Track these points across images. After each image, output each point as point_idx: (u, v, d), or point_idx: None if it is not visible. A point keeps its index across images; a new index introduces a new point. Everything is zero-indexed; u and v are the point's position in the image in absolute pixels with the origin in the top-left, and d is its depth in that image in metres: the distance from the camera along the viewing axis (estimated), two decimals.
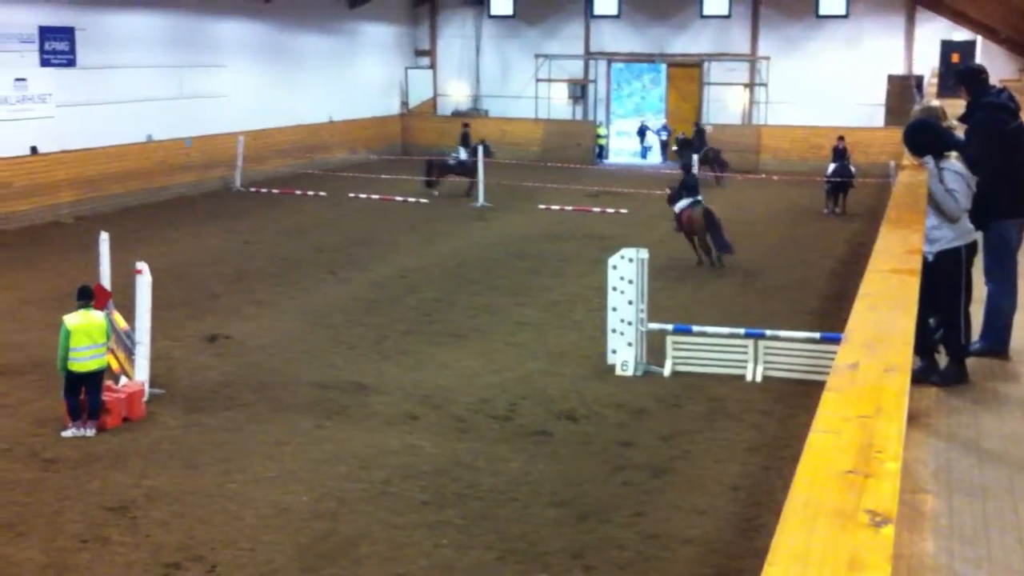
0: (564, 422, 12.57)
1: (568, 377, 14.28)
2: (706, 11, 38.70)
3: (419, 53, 43.62)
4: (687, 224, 21.25)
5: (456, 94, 43.23)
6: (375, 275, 20.47)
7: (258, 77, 34.02)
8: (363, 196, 29.89)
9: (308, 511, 10.06)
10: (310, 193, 30.46)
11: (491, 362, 14.92)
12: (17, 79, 25.57)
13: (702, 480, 10.96)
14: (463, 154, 30.90)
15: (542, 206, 28.57)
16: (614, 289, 14.30)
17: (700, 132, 35.26)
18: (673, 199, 21.97)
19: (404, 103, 43.10)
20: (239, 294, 18.77)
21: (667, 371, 14.30)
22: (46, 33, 26.24)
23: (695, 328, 14.56)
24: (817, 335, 14.10)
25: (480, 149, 29.33)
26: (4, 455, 11.33)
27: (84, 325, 11.89)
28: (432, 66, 43.57)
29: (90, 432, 11.85)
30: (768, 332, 14.29)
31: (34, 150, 26.02)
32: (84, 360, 11.88)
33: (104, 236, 13.56)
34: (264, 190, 30.88)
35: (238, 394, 13.38)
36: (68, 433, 11.83)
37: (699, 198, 21.47)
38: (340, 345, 15.67)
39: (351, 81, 39.14)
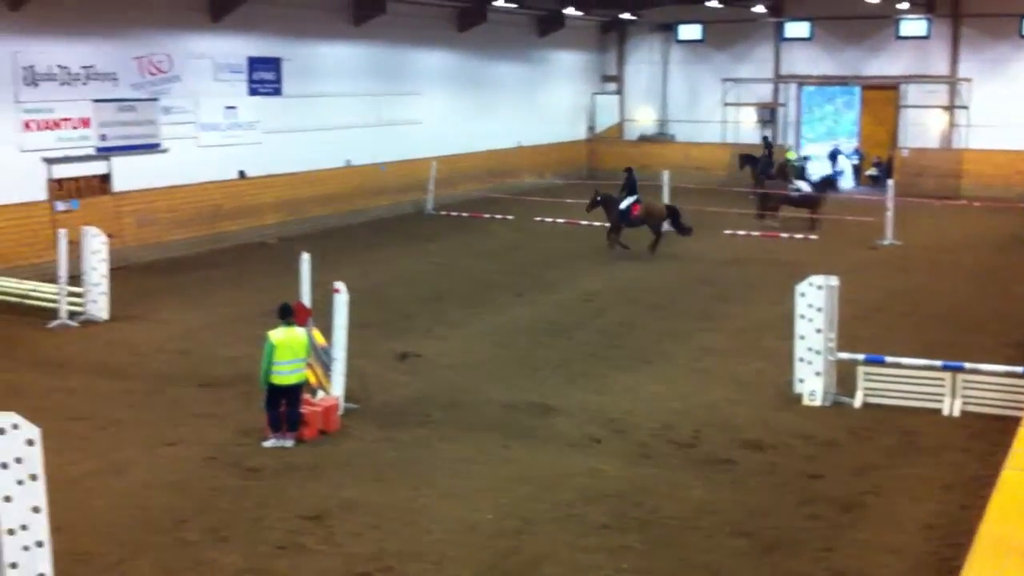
0: (749, 451, 12.40)
1: (754, 405, 14.08)
2: (903, 32, 37.59)
3: (606, 79, 43.90)
4: (643, 215, 25.06)
5: (643, 119, 43.28)
6: (560, 298, 20.71)
7: (451, 104, 35.01)
8: (549, 220, 30.30)
9: (493, 529, 10.27)
10: (498, 217, 31.07)
11: (675, 388, 14.86)
12: (228, 107, 27.21)
13: (895, 517, 10.61)
14: (804, 186, 29.88)
15: (728, 231, 28.24)
16: (802, 317, 14.02)
17: (769, 147, 36.31)
18: (608, 201, 25.55)
19: (591, 128, 43.44)
20: (430, 314, 19.33)
21: (857, 402, 13.90)
22: (255, 64, 27.83)
23: (888, 359, 14.10)
24: (1020, 369, 13.42)
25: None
26: (211, 463, 12.03)
27: (287, 340, 12.50)
28: (619, 91, 43.78)
29: (289, 443, 12.45)
30: (967, 365, 13.70)
31: (242, 174, 27.58)
32: (286, 374, 12.48)
33: (305, 256, 14.25)
34: (455, 213, 31.70)
35: (428, 411, 13.79)
36: (269, 443, 12.47)
37: (638, 196, 25.37)
38: (526, 366, 15.92)
39: (540, 107, 39.77)
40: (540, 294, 21.09)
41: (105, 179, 24.31)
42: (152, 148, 25.27)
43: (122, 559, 9.63)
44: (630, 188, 25.87)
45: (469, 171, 35.39)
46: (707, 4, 36.74)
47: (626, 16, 40.87)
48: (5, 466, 8.11)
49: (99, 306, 18.75)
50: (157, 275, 23.08)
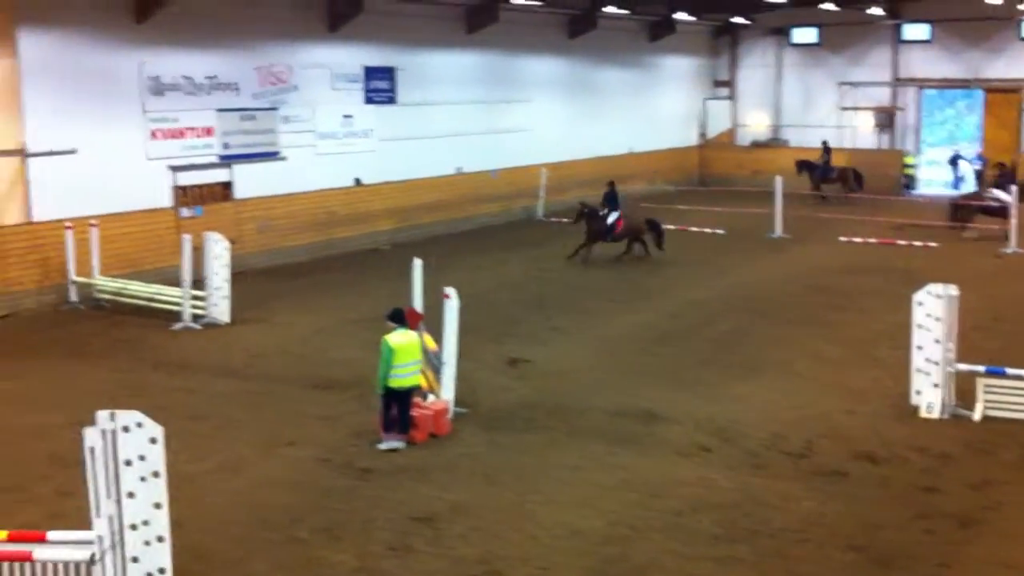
0: (862, 463, 12.15)
1: (868, 416, 13.79)
2: None
3: (718, 84, 43.46)
4: (627, 229, 25.08)
5: (755, 124, 42.71)
6: (669, 305, 20.59)
7: (561, 111, 35.13)
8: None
9: (600, 536, 10.29)
10: None
11: (787, 397, 14.65)
12: (344, 115, 27.81)
13: (1015, 533, 10.28)
14: (1004, 196, 27.71)
15: (843, 238, 27.69)
16: (919, 327, 13.68)
17: (827, 151, 35.77)
18: (593, 215, 25.17)
19: (702, 134, 43.06)
20: (538, 320, 19.44)
21: (977, 415, 13.49)
22: (370, 73, 28.39)
23: (1010, 371, 13.64)
24: None
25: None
26: (324, 464, 12.31)
27: (405, 344, 12.72)
28: (731, 96, 43.29)
29: (401, 445, 12.66)
30: None
31: (358, 181, 28.14)
32: (403, 377, 12.70)
33: (417, 262, 14.49)
34: (565, 220, 31.73)
35: (535, 416, 13.87)
36: (383, 446, 12.69)
37: (621, 211, 25.33)
38: (633, 373, 15.89)
39: (650, 113, 39.59)
40: (648, 301, 21.00)
41: (227, 186, 25.10)
42: (271, 156, 25.99)
43: (238, 556, 9.92)
44: (612, 202, 25.51)
45: (579, 177, 35.34)
46: (822, 7, 36.11)
47: (738, 20, 40.43)
48: (129, 463, 8.44)
49: (220, 309, 19.36)
50: (275, 280, 23.73)
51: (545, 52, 34.33)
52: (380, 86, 28.69)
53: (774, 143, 41.59)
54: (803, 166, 36.00)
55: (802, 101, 41.51)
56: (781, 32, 41.33)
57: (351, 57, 27.75)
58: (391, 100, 29.04)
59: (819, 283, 22.43)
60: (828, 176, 35.76)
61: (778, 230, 28.44)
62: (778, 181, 28.95)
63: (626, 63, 38.22)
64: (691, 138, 42.65)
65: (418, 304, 14.06)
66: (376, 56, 28.49)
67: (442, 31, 30.32)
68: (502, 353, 16.89)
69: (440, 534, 10.35)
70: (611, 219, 25.14)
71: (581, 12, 34.24)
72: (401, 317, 13.03)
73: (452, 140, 30.67)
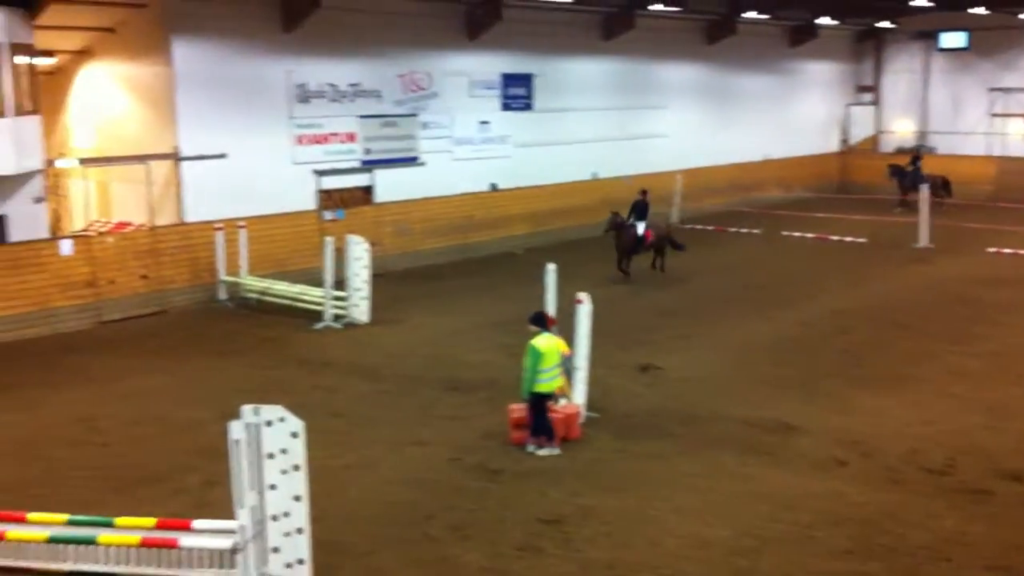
0: (1007, 482, 11.73)
1: (1012, 434, 13.30)
2: None
3: (861, 89, 42.39)
4: (654, 239, 24.12)
5: (900, 131, 41.51)
6: (803, 314, 20.23)
7: (697, 117, 34.85)
8: (796, 234, 29.60)
9: (728, 546, 10.21)
10: (743, 230, 30.64)
11: (925, 412, 14.24)
12: (481, 122, 28.21)
13: None
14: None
15: (991, 249, 26.70)
16: None
17: (917, 159, 35.22)
18: (621, 224, 24.00)
19: (844, 140, 42.07)
20: (669, 327, 19.35)
21: None
22: (508, 80, 28.73)
23: None
24: None
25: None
26: (455, 463, 12.54)
27: (551, 348, 12.80)
28: (875, 102, 42.18)
29: (556, 451, 12.70)
30: None
31: (493, 187, 28.49)
32: (547, 381, 12.78)
33: (550, 267, 14.62)
34: (699, 226, 31.50)
35: (665, 424, 13.84)
36: (544, 452, 12.71)
37: (648, 221, 24.27)
38: (766, 384, 15.68)
39: (789, 120, 38.90)
40: (782, 310, 20.67)
41: (367, 190, 25.76)
42: (411, 161, 26.57)
43: (371, 550, 10.20)
44: (642, 213, 24.29)
45: (714, 184, 35.04)
46: (971, 11, 34.85)
47: (884, 24, 39.35)
48: (271, 456, 8.80)
49: (360, 310, 19.90)
50: (412, 282, 24.23)
51: (682, 58, 34.11)
52: (517, 93, 29.00)
53: (922, 149, 40.34)
54: (894, 172, 35.17)
55: (950, 107, 40.16)
56: (928, 36, 40.04)
57: (489, 64, 28.13)
58: (528, 106, 29.32)
59: (963, 295, 21.70)
60: (918, 183, 34.78)
61: (923, 240, 27.59)
62: (924, 189, 28.10)
63: (765, 68, 37.65)
64: (831, 145, 41.71)
65: (551, 308, 14.18)
66: (514, 63, 28.81)
67: (579, 38, 30.45)
68: (634, 360, 16.88)
69: (569, 537, 10.42)
70: (640, 229, 24.10)
71: (720, 18, 33.90)
72: (543, 321, 13.11)
73: (587, 146, 30.79)
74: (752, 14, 33.03)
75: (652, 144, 32.86)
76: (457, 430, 13.71)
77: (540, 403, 12.75)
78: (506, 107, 28.82)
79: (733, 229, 30.97)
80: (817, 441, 13.10)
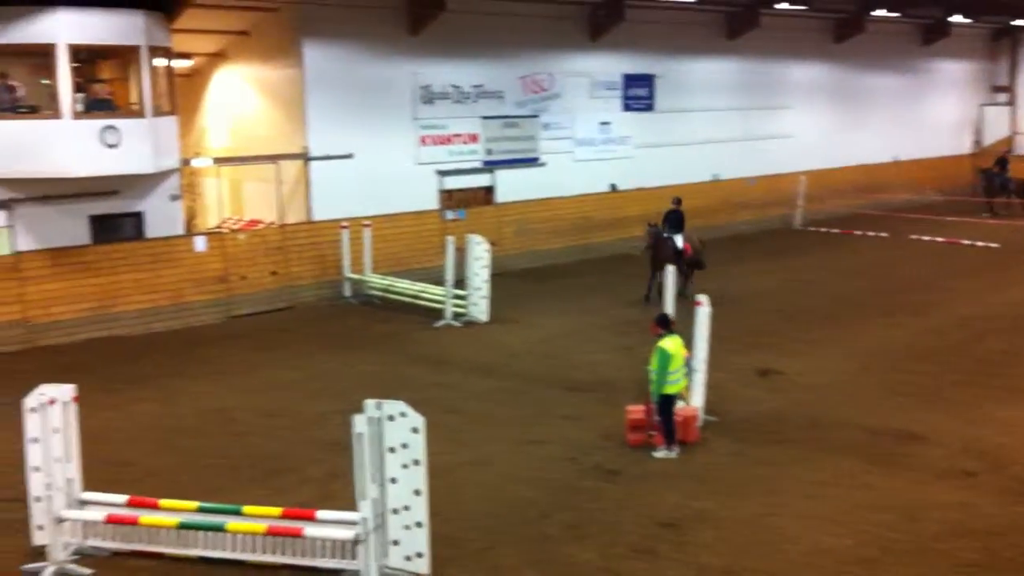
0: None
1: None
2: None
3: (996, 89, 40.94)
4: (692, 254, 21.86)
5: None
6: (933, 321, 19.67)
7: (822, 117, 34.17)
8: (926, 238, 28.79)
9: (849, 555, 10.02)
10: (870, 234, 29.93)
11: None
12: (602, 123, 28.21)
13: None
14: None
15: None
16: None
17: (1003, 162, 34.03)
18: (658, 236, 21.74)
19: (977, 142, 40.69)
20: (791, 331, 19.05)
21: None
22: (629, 81, 28.66)
23: None
24: None
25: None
26: (571, 463, 12.60)
27: (678, 350, 12.77)
28: (1011, 102, 40.68)
29: (671, 454, 12.66)
30: None
31: (613, 188, 28.46)
32: (674, 383, 12.76)
33: (670, 269, 14.55)
34: (823, 229, 30.90)
35: (785, 429, 13.65)
36: (659, 454, 12.67)
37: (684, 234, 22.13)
38: (891, 391, 15.31)
39: (919, 120, 37.83)
40: (910, 316, 20.13)
41: (489, 191, 26.04)
42: (532, 162, 26.75)
43: (488, 546, 10.33)
44: (676, 224, 22.22)
45: (839, 186, 34.30)
46: None
47: (1020, 23, 37.92)
48: (392, 450, 9.01)
49: (480, 309, 20.14)
50: (531, 281, 24.40)
51: (808, 57, 33.49)
52: (639, 93, 28.91)
53: (1008, 153, 38.83)
54: (984, 175, 34.33)
55: None
56: None
57: (611, 65, 28.11)
58: (649, 107, 29.20)
59: None
60: (1006, 187, 33.81)
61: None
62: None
63: (894, 68, 36.67)
64: (964, 146, 40.39)
65: (670, 310, 14.14)
66: (635, 64, 28.72)
67: (702, 38, 30.18)
68: (753, 363, 16.69)
69: (685, 541, 10.38)
70: (679, 243, 21.88)
71: (848, 16, 33.16)
72: (668, 322, 13.02)
73: (709, 147, 30.50)
74: (882, 12, 32.21)
75: (775, 145, 32.34)
76: (574, 430, 13.77)
77: (669, 405, 12.71)
78: (627, 108, 28.75)
79: (859, 232, 30.27)
80: (945, 451, 12.74)
